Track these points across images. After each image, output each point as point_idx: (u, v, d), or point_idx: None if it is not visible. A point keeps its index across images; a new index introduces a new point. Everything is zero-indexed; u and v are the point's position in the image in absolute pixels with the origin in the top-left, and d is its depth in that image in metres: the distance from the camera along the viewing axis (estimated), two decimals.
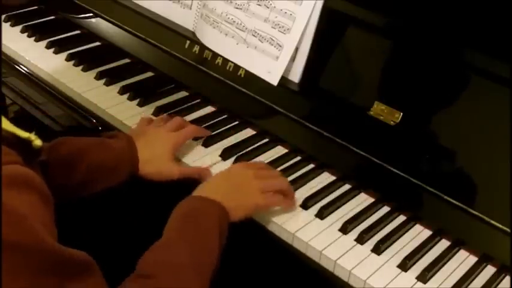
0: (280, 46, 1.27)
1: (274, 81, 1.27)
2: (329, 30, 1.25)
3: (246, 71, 1.33)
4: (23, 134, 0.85)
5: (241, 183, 1.07)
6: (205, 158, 1.21)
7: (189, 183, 1.13)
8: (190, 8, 1.45)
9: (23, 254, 0.72)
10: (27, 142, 0.85)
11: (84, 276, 0.79)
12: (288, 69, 1.29)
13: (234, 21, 1.33)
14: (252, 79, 1.32)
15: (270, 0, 1.28)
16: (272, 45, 1.28)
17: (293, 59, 1.28)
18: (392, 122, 1.16)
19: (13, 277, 0.71)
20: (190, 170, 1.19)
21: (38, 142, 0.87)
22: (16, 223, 0.71)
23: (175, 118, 1.25)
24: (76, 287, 0.77)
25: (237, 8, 1.32)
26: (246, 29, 1.31)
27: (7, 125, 0.84)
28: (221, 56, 1.37)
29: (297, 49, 1.28)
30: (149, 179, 1.17)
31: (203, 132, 1.27)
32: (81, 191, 1.12)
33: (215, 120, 1.33)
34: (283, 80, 1.29)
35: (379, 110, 1.17)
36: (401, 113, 1.15)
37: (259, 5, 1.30)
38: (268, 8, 1.29)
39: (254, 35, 1.31)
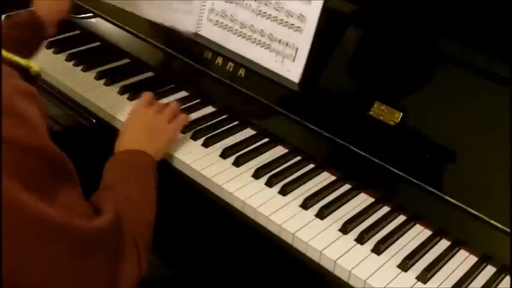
0: (295, 46, 1.27)
1: (295, 78, 1.28)
2: (329, 30, 1.25)
3: (246, 71, 1.33)
4: (23, 61, 0.96)
5: (152, 124, 1.20)
6: (205, 158, 1.21)
7: None
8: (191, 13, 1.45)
9: (34, 156, 0.76)
10: (26, 69, 0.95)
11: (72, 183, 0.83)
12: (288, 69, 1.29)
13: (255, 29, 1.34)
14: (252, 79, 1.32)
15: (280, 2, 1.29)
16: (288, 46, 1.29)
17: (293, 59, 1.28)
18: (392, 122, 1.16)
19: (19, 174, 0.74)
20: None
21: (36, 68, 0.98)
22: (32, 128, 0.76)
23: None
24: (66, 195, 0.80)
25: (258, 14, 1.33)
26: (265, 33, 1.33)
27: (8, 54, 0.94)
28: (222, 55, 1.37)
29: (297, 49, 1.28)
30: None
31: None
32: None
33: (215, 120, 1.33)
34: (283, 80, 1.29)
35: (379, 110, 1.18)
36: (401, 113, 1.15)
37: (276, 9, 1.31)
38: (277, 10, 1.30)
39: (271, 38, 1.32)
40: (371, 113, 1.18)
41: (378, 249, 1.04)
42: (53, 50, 1.53)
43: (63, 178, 0.81)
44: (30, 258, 0.75)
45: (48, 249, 0.76)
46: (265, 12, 1.32)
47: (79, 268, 0.80)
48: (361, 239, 1.06)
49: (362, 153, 1.17)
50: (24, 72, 0.94)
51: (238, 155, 1.22)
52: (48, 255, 0.77)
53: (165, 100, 1.38)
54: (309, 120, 1.24)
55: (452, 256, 1.06)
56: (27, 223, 0.74)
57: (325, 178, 1.20)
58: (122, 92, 1.40)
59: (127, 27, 1.54)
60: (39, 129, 0.78)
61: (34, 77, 0.97)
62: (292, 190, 1.15)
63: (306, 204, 1.12)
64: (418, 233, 1.10)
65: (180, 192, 1.28)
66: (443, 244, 1.08)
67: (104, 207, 0.89)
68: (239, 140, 1.28)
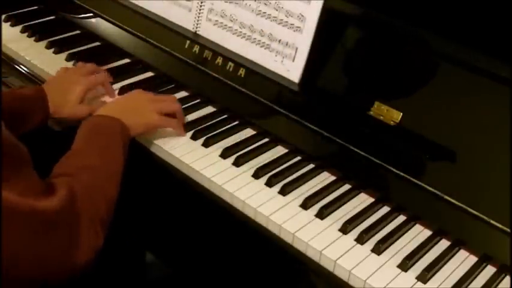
0: (295, 46, 1.28)
1: (295, 78, 1.29)
2: (329, 30, 1.25)
3: (246, 71, 1.33)
4: None
5: (137, 105, 1.23)
6: (205, 158, 1.21)
7: None
8: (190, 11, 1.45)
9: None
10: None
11: (26, 166, 0.88)
12: (288, 69, 1.29)
13: (254, 29, 1.34)
14: (252, 79, 1.32)
15: (280, 2, 1.29)
16: (288, 46, 1.29)
17: (293, 59, 1.29)
18: (392, 122, 1.16)
19: None
20: (97, 105, 1.29)
21: None
22: None
23: (89, 64, 1.38)
24: (23, 180, 0.86)
25: (258, 14, 1.33)
26: (264, 33, 1.33)
27: None
28: (222, 55, 1.37)
29: (296, 49, 1.28)
30: (64, 121, 1.29)
31: (110, 87, 1.38)
32: None
33: (215, 120, 1.33)
34: (283, 80, 1.29)
35: (379, 110, 1.18)
36: (401, 113, 1.15)
37: (276, 9, 1.31)
38: (277, 10, 1.30)
39: (271, 38, 1.32)
40: (371, 113, 1.18)
41: (378, 249, 1.04)
42: (53, 50, 1.53)
43: (17, 163, 0.86)
44: None
45: (7, 231, 0.83)
46: (264, 12, 1.32)
47: (37, 247, 0.87)
48: (361, 239, 1.06)
49: (362, 153, 1.17)
50: None
51: (238, 155, 1.22)
52: (8, 237, 0.83)
53: None
54: (309, 120, 1.24)
55: (452, 256, 1.06)
56: None
57: (325, 178, 1.20)
58: (122, 92, 1.39)
59: (127, 27, 1.54)
60: None
61: None
62: (292, 190, 1.16)
63: (306, 204, 1.12)
64: (418, 233, 1.10)
65: (180, 192, 1.28)
66: (443, 244, 1.08)
67: (58, 187, 0.93)
68: (239, 140, 1.28)
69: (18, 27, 1.61)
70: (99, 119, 1.16)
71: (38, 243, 0.87)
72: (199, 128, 1.29)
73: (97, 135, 1.11)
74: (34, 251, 0.87)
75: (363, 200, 1.16)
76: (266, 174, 1.18)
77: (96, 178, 1.03)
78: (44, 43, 1.55)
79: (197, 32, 1.45)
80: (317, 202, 1.13)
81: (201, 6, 1.43)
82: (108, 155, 1.08)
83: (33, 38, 1.57)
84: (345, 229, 1.07)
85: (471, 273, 1.03)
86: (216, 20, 1.40)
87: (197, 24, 1.44)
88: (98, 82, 1.34)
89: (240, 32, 1.36)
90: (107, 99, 1.36)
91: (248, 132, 1.31)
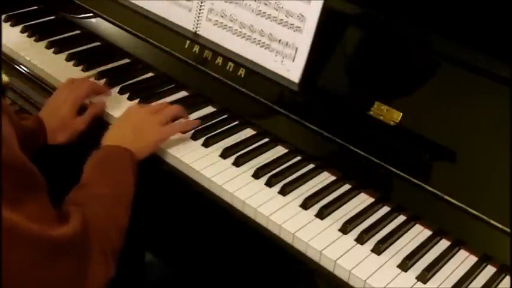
0: (295, 46, 1.28)
1: (295, 78, 1.29)
2: (329, 30, 1.25)
3: (246, 71, 1.33)
4: None
5: (141, 123, 1.20)
6: (205, 158, 1.21)
7: None
8: (190, 11, 1.45)
9: (3, 167, 0.78)
10: None
11: (39, 192, 0.87)
12: (288, 69, 1.29)
13: (254, 29, 1.34)
14: (251, 79, 1.32)
15: (280, 2, 1.29)
16: (288, 46, 1.29)
17: (293, 59, 1.29)
18: (392, 122, 1.16)
19: None
20: (89, 113, 1.30)
21: (5, 78, 1.03)
22: (3, 141, 0.79)
23: (76, 79, 1.36)
24: (34, 204, 0.84)
25: (258, 14, 1.33)
26: (264, 33, 1.33)
27: None
28: (222, 55, 1.37)
29: (296, 49, 1.28)
30: (65, 143, 1.28)
31: (102, 88, 1.37)
32: None
33: (215, 120, 1.33)
34: (283, 80, 1.29)
35: (379, 110, 1.18)
36: (401, 113, 1.15)
37: (276, 9, 1.31)
38: (277, 10, 1.30)
39: (271, 38, 1.32)
40: (371, 113, 1.18)
41: (378, 249, 1.04)
42: (53, 50, 1.53)
43: (31, 187, 0.84)
44: None
45: (15, 255, 0.80)
46: (264, 12, 1.32)
47: (45, 273, 0.85)
48: (361, 239, 1.06)
49: (362, 153, 1.17)
50: None
51: (238, 155, 1.22)
52: (16, 261, 0.80)
53: (165, 100, 1.38)
54: (309, 120, 1.24)
55: (452, 256, 1.06)
56: None
57: (325, 178, 1.20)
58: (122, 92, 1.40)
59: (127, 27, 1.54)
60: (8, 140, 0.81)
61: (3, 87, 0.98)
62: (292, 190, 1.16)
63: (306, 204, 1.12)
64: (418, 233, 1.10)
65: (180, 192, 1.28)
66: (443, 244, 1.08)
67: (72, 215, 0.92)
68: (239, 140, 1.28)
69: (18, 27, 1.61)
70: (109, 151, 1.14)
71: (45, 271, 0.85)
72: (199, 128, 1.29)
73: (108, 166, 1.10)
74: (40, 277, 0.85)
75: (363, 200, 1.16)
76: (266, 174, 1.18)
77: (109, 208, 1.02)
78: (44, 43, 1.55)
79: (197, 32, 1.45)
80: (317, 202, 1.13)
81: (201, 6, 1.43)
82: (119, 185, 1.08)
83: (33, 38, 1.57)
84: (345, 229, 1.07)
85: (471, 273, 1.03)
86: (216, 20, 1.40)
87: (197, 24, 1.45)
88: (85, 90, 1.32)
89: (240, 32, 1.36)
90: (101, 98, 1.36)
91: (248, 132, 1.31)
